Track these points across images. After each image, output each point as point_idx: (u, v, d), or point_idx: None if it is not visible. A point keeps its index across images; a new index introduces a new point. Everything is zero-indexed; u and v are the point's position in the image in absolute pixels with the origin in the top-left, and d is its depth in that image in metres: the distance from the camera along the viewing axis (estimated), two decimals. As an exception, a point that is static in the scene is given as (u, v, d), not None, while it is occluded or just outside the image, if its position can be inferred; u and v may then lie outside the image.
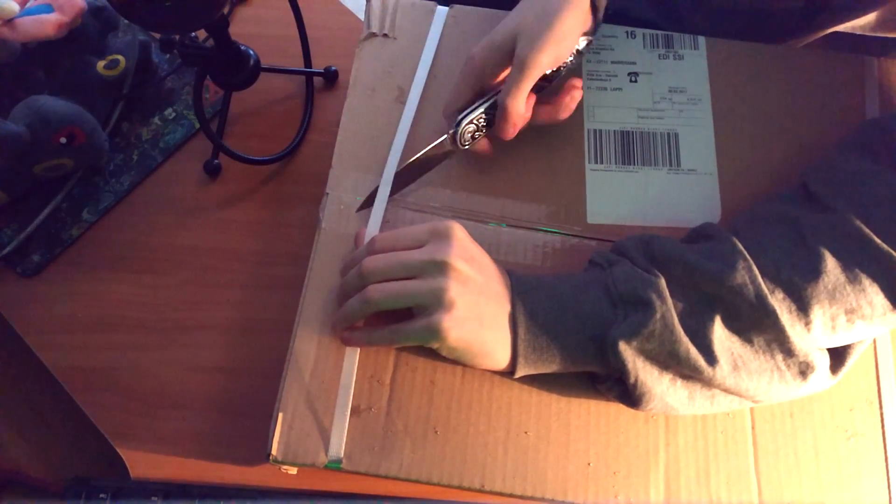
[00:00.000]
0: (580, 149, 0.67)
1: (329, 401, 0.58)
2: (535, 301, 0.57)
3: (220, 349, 0.70)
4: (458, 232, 0.57)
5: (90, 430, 0.66)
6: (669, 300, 0.54)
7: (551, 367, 0.57)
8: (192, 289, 0.72)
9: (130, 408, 0.68)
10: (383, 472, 0.56)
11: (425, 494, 0.64)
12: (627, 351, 0.53)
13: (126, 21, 0.80)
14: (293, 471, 0.60)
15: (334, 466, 0.56)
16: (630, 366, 0.53)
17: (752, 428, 0.59)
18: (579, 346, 0.56)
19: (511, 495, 0.56)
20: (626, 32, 0.73)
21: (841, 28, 0.73)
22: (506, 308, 0.56)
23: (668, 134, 0.69)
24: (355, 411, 0.58)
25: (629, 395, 0.55)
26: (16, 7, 0.71)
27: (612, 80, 0.71)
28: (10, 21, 0.71)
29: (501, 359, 0.56)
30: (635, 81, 0.71)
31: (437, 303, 0.54)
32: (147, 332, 0.70)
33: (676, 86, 0.71)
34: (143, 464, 0.66)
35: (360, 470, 0.56)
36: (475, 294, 0.55)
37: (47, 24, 0.72)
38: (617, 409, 0.58)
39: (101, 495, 0.63)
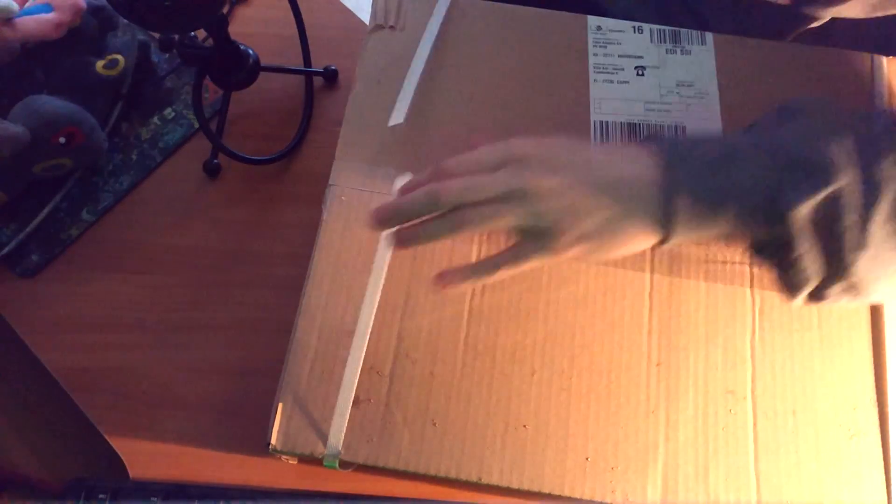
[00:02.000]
0: (587, 140, 0.69)
1: (329, 392, 0.60)
2: (688, 169, 0.55)
3: (220, 349, 0.72)
4: (536, 148, 0.55)
5: (90, 430, 0.68)
6: (853, 166, 0.52)
7: (710, 235, 0.56)
8: (192, 289, 0.74)
9: (130, 408, 0.70)
10: (381, 463, 0.58)
11: (424, 495, 0.65)
12: (797, 221, 0.52)
13: (125, 21, 0.82)
14: (293, 461, 0.62)
15: (331, 464, 0.58)
16: (797, 236, 0.52)
17: (754, 425, 0.60)
18: (743, 214, 0.54)
19: (508, 489, 0.58)
20: (634, 27, 0.75)
21: (834, 13, 0.74)
22: (638, 189, 0.55)
23: (676, 127, 0.70)
24: (354, 402, 0.59)
25: (789, 274, 0.54)
26: (15, 7, 0.73)
27: (618, 73, 0.73)
28: (9, 20, 0.73)
29: (641, 242, 0.56)
30: (642, 75, 0.73)
31: (541, 227, 0.54)
32: (147, 332, 0.72)
33: (684, 80, 0.73)
34: (143, 464, 0.67)
35: (357, 460, 0.58)
36: (581, 197, 0.54)
37: (46, 23, 0.74)
38: (617, 404, 0.60)
39: (101, 495, 0.65)
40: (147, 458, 0.68)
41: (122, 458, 0.68)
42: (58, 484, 0.66)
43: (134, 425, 0.69)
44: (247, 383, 0.71)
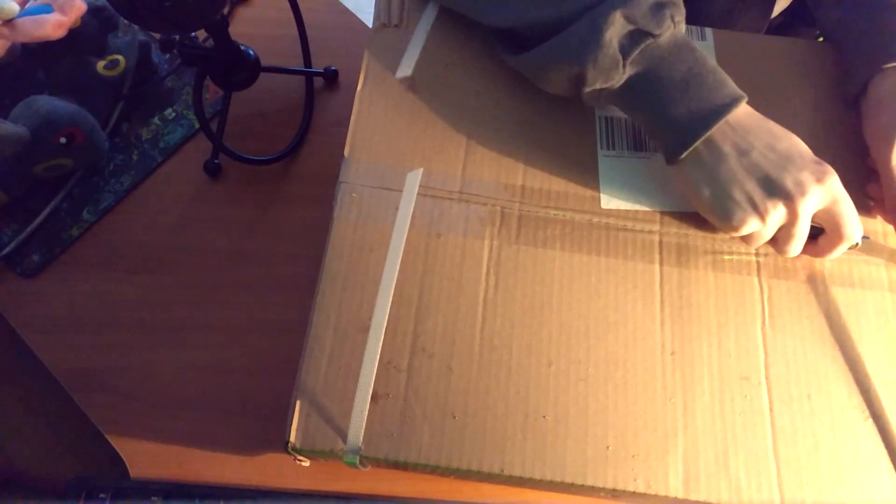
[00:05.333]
0: (592, 135, 0.67)
1: (346, 388, 0.57)
2: None
3: (220, 349, 0.70)
4: None
5: (90, 430, 0.66)
6: None
7: None
8: (192, 289, 0.72)
9: (130, 408, 0.67)
10: (402, 458, 0.55)
11: (425, 494, 0.65)
12: None
13: (126, 21, 0.80)
14: (306, 463, 0.59)
15: (352, 460, 0.55)
16: None
17: (770, 410, 0.58)
18: None
19: (531, 479, 0.55)
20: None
21: None
22: None
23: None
24: (373, 398, 0.56)
25: None
26: (16, 7, 0.70)
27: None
28: (9, 21, 0.70)
29: None
30: (644, 71, 0.71)
31: None
32: (147, 332, 0.70)
33: (686, 76, 0.71)
34: (143, 464, 0.66)
35: (377, 456, 0.55)
36: None
37: (47, 24, 0.71)
38: (634, 393, 0.58)
39: (101, 495, 0.63)
40: (147, 458, 0.66)
41: (123, 457, 0.66)
42: (58, 484, 0.64)
43: (134, 425, 0.67)
44: (247, 383, 0.69)
